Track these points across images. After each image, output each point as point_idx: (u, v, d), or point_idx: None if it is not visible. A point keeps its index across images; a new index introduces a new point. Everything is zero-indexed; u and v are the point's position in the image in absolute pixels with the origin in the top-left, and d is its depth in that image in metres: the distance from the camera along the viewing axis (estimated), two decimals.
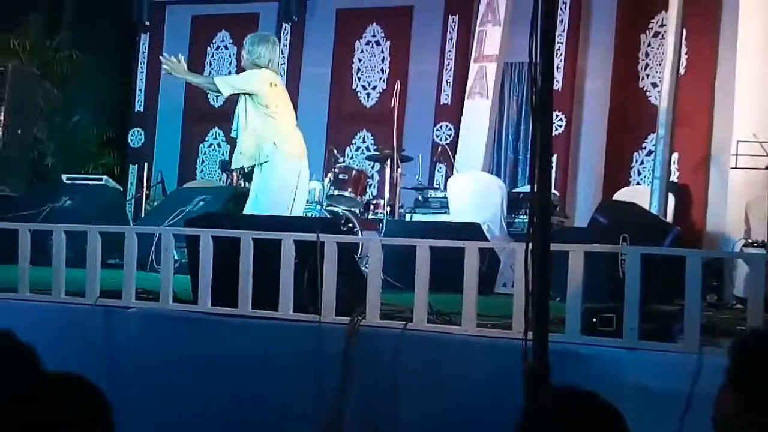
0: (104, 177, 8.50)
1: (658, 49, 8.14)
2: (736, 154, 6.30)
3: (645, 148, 8.26)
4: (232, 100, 5.89)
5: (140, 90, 10.32)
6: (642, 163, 8.32)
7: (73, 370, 1.62)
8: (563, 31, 8.52)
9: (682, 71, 7.37)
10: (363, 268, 4.73)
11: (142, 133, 10.22)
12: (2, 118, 7.92)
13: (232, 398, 3.83)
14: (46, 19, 10.15)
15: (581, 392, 1.59)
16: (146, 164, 9.66)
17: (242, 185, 7.21)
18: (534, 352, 2.37)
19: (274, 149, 5.61)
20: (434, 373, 3.60)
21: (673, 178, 7.66)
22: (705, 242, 7.52)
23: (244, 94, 5.66)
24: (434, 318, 3.81)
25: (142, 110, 10.32)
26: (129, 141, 10.27)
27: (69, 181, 8.18)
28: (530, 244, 2.43)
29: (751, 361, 1.79)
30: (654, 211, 6.38)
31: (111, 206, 7.52)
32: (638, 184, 8.13)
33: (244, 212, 5.72)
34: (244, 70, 5.84)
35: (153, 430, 3.89)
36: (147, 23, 10.25)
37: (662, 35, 7.80)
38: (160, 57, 5.96)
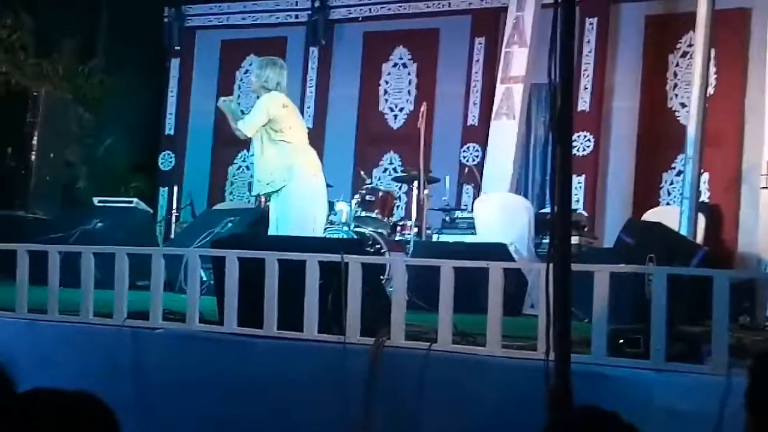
0: (135, 200, 8.60)
1: (686, 69, 8.09)
2: (767, 174, 6.23)
3: (674, 168, 8.19)
4: None
5: (170, 114, 10.45)
6: (671, 183, 8.26)
7: (101, 390, 1.62)
8: (590, 52, 8.52)
9: (711, 91, 7.33)
10: (389, 290, 4.73)
11: (173, 156, 10.34)
12: (35, 142, 8.06)
13: (257, 419, 3.83)
14: (78, 45, 10.32)
15: (601, 411, 1.57)
16: (176, 187, 9.77)
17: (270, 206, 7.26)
18: (556, 373, 2.34)
19: (290, 171, 5.66)
20: (459, 394, 3.57)
21: (704, 198, 7.59)
22: (737, 263, 7.43)
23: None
24: (459, 339, 3.79)
25: (172, 133, 10.44)
26: (159, 164, 10.38)
27: (100, 204, 8.28)
28: (551, 264, 2.42)
29: (764, 382, 1.76)
30: (683, 231, 6.33)
31: (141, 229, 7.60)
32: (668, 204, 8.07)
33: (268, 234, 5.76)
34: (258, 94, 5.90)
35: None
36: (177, 48, 10.40)
37: (690, 55, 7.75)
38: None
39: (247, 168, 10.01)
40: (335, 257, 3.86)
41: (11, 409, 1.47)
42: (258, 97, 5.87)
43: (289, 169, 5.68)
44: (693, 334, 3.64)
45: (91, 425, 1.46)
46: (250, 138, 5.77)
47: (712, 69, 7.40)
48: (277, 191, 5.73)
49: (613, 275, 3.49)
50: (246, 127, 5.71)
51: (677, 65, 8.37)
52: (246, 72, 10.19)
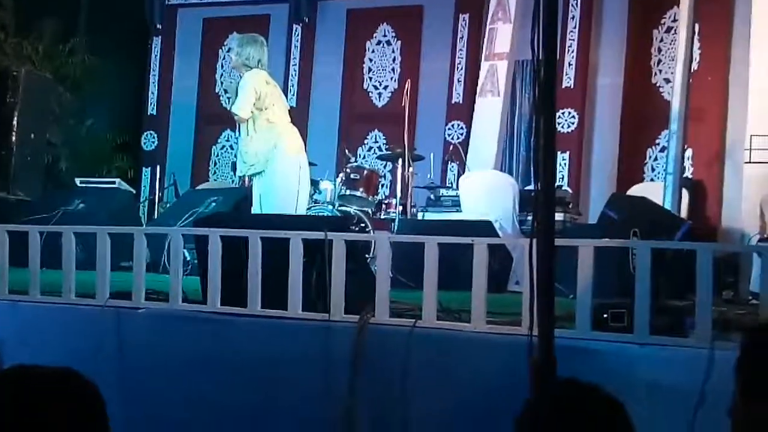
0: (117, 180, 8.54)
1: (670, 44, 8.09)
2: (750, 149, 6.25)
3: (658, 144, 8.21)
4: None
5: (153, 93, 10.36)
6: (655, 159, 8.27)
7: (84, 370, 1.60)
8: (575, 28, 8.50)
9: (695, 66, 7.32)
10: (374, 269, 4.72)
11: (155, 136, 10.25)
12: (16, 122, 7.95)
13: (241, 397, 3.82)
14: (59, 24, 10.21)
15: (582, 384, 1.57)
16: (159, 167, 9.70)
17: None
18: (539, 347, 2.34)
19: (274, 151, 5.66)
20: (444, 370, 3.57)
21: (687, 174, 7.61)
22: (720, 238, 7.46)
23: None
24: (444, 316, 3.79)
25: (155, 113, 10.35)
26: (142, 144, 10.29)
27: (82, 185, 8.22)
28: (535, 239, 2.40)
29: (754, 351, 1.77)
30: (667, 207, 6.33)
31: (123, 209, 7.53)
32: (652, 180, 8.08)
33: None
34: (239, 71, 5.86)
35: (163, 429, 3.89)
36: (159, 26, 10.29)
37: (675, 30, 7.74)
38: None
39: (231, 148, 9.95)
40: (319, 235, 3.84)
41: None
42: (240, 76, 5.83)
43: (273, 149, 5.67)
44: (677, 307, 3.64)
45: (76, 399, 1.45)
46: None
47: (697, 44, 7.39)
48: (260, 172, 5.72)
49: (597, 250, 3.49)
50: (239, 109, 5.67)
51: (662, 41, 8.36)
52: (229, 50, 10.10)
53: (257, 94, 5.63)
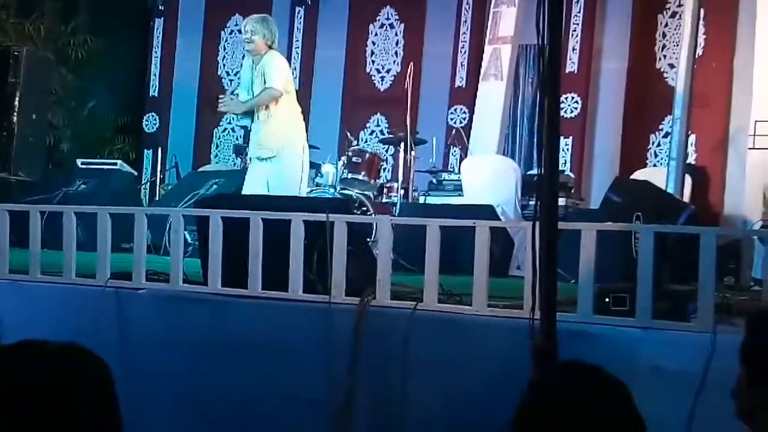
0: (119, 162, 8.52)
1: (675, 29, 8.04)
2: (754, 135, 6.22)
3: (662, 129, 8.17)
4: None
5: (155, 75, 10.32)
6: (659, 144, 8.24)
7: None
8: (579, 12, 8.45)
9: (699, 52, 7.27)
10: (375, 252, 4.71)
11: (157, 117, 10.22)
12: (17, 103, 7.92)
13: (241, 378, 3.81)
14: (61, 4, 10.16)
15: (585, 365, 1.56)
16: (161, 149, 9.67)
17: None
18: (541, 330, 2.33)
19: (289, 136, 5.67)
20: (444, 353, 3.56)
21: (691, 159, 7.58)
22: (723, 224, 7.44)
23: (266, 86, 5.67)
24: (445, 299, 3.78)
25: (156, 95, 10.32)
26: (144, 126, 10.27)
27: (83, 166, 8.20)
28: (537, 223, 2.39)
29: (758, 335, 1.76)
30: (670, 192, 6.31)
31: (125, 190, 7.53)
32: (655, 165, 8.05)
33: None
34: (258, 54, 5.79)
35: (163, 410, 3.90)
36: (161, 7, 10.24)
37: (679, 15, 7.69)
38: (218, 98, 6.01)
39: (233, 130, 9.92)
40: (320, 216, 3.82)
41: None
42: (254, 59, 5.76)
43: (289, 135, 5.71)
44: (679, 292, 3.63)
45: (84, 373, 1.44)
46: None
47: (701, 29, 7.34)
48: (272, 157, 5.70)
49: (599, 234, 3.47)
50: (278, 83, 5.62)
51: (666, 26, 8.31)
52: (231, 32, 10.06)
53: (287, 74, 5.67)
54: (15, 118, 7.88)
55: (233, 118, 9.85)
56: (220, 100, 5.94)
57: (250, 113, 5.83)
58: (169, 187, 8.54)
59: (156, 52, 10.30)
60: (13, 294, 4.34)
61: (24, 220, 4.49)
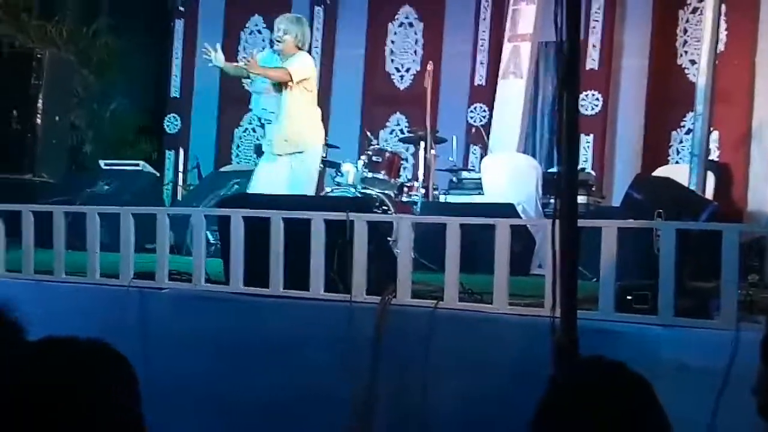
0: (141, 162, 8.57)
1: (696, 25, 7.97)
2: None
3: (684, 126, 8.11)
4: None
5: (176, 76, 10.36)
6: (681, 141, 8.18)
7: None
8: (599, 9, 8.40)
9: (721, 47, 7.21)
10: (396, 251, 4.71)
11: (178, 118, 10.26)
12: (40, 105, 8.00)
13: (263, 377, 3.83)
14: (83, 6, 10.23)
15: (607, 361, 1.55)
16: (182, 150, 9.72)
17: None
18: (562, 328, 2.33)
19: (312, 134, 5.73)
20: (465, 351, 3.57)
21: (713, 156, 7.52)
22: (746, 221, 7.37)
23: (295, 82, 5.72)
24: (466, 297, 3.78)
25: (178, 96, 10.35)
26: (165, 127, 10.31)
27: (106, 167, 8.26)
28: (557, 219, 2.39)
29: None
30: (692, 189, 6.26)
31: (147, 191, 7.58)
32: (677, 162, 8.00)
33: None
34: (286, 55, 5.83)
35: (185, 409, 3.92)
36: (181, 9, 10.29)
37: (700, 11, 7.62)
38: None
39: (254, 131, 9.94)
40: (341, 215, 3.83)
41: (26, 355, 1.46)
42: (283, 56, 5.79)
43: (312, 132, 5.80)
44: (702, 289, 3.61)
45: (108, 370, 1.45)
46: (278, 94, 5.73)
47: (723, 25, 7.29)
48: (296, 153, 5.74)
49: (621, 231, 3.46)
50: (296, 73, 5.66)
51: (687, 21, 8.25)
52: (251, 33, 10.09)
53: (311, 75, 5.72)
54: (38, 120, 7.96)
55: (253, 119, 9.89)
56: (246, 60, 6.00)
57: (266, 107, 5.88)
58: (191, 188, 8.58)
59: (177, 53, 10.35)
60: (39, 294, 4.38)
61: (48, 220, 4.54)
